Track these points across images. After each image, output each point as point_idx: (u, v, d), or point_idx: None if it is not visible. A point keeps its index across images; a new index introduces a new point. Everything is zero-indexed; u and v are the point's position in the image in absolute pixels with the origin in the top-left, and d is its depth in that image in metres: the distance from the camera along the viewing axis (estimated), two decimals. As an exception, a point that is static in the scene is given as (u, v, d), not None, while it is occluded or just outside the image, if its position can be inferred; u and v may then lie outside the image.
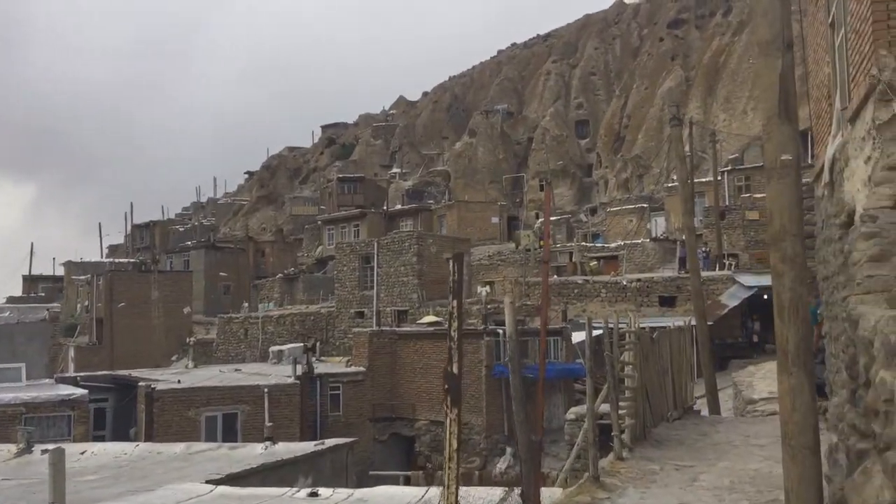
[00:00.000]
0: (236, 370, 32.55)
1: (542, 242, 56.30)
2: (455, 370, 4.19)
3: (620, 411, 9.97)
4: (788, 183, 5.94)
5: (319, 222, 74.84)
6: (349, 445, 15.11)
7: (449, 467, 4.21)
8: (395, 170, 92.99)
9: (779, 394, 6.08)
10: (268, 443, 15.30)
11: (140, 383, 25.77)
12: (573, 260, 48.21)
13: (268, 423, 17.34)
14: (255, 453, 15.41)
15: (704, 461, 9.37)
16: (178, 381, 26.25)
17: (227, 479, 11.73)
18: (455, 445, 4.14)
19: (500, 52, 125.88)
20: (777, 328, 6.00)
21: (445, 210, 68.53)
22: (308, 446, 14.95)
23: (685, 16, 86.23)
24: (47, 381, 28.17)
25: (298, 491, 10.86)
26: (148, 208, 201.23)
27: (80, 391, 24.52)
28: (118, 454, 16.71)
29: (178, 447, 16.56)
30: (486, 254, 53.19)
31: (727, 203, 47.97)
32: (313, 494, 10.35)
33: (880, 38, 7.11)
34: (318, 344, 39.65)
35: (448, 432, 4.12)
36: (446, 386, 4.25)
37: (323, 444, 14.95)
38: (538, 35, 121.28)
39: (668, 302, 35.22)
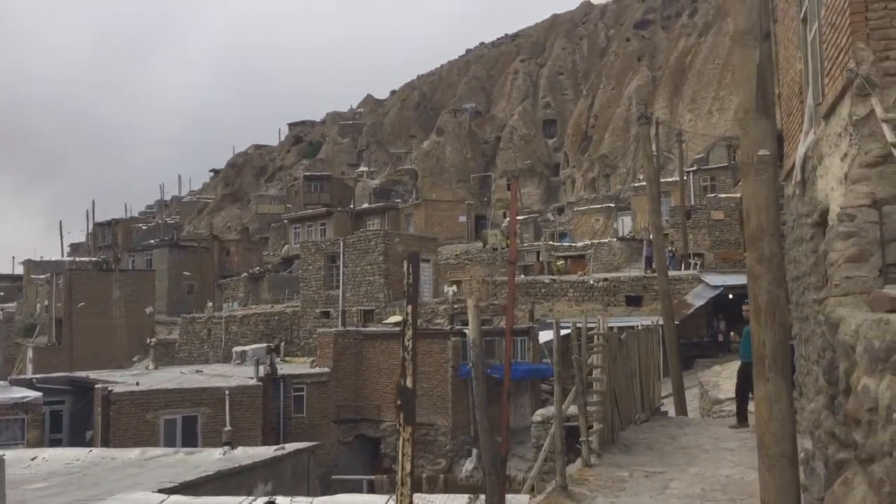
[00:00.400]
0: (198, 371, 31.85)
1: (509, 241, 56.15)
2: (409, 383, 3.82)
3: (588, 416, 9.67)
4: (765, 180, 5.66)
5: (285, 221, 74.01)
6: (310, 450, 14.67)
7: (401, 493, 3.84)
8: (362, 168, 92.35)
9: (755, 401, 5.80)
10: (226, 448, 14.81)
11: (97, 385, 25.05)
12: (540, 259, 48.10)
13: (226, 428, 16.82)
14: (212, 459, 14.91)
15: (674, 467, 9.10)
16: (137, 384, 25.53)
17: (181, 487, 11.24)
18: (408, 469, 3.77)
19: (468, 51, 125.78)
20: (753, 332, 5.72)
21: (413, 209, 68.12)
22: (268, 451, 14.48)
23: (651, 17, 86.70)
24: (1, 383, 27.32)
25: (255, 500, 10.41)
26: (112, 207, 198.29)
27: (34, 394, 23.76)
28: (70, 460, 16.09)
29: (133, 453, 15.98)
30: (454, 253, 52.92)
31: (693, 203, 48.18)
32: (270, 503, 9.90)
33: (858, 31, 6.87)
34: (282, 344, 39.04)
35: (401, 453, 3.75)
36: (399, 402, 3.88)
37: (283, 448, 14.49)
38: (506, 35, 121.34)
39: (634, 301, 35.18)
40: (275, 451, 14.35)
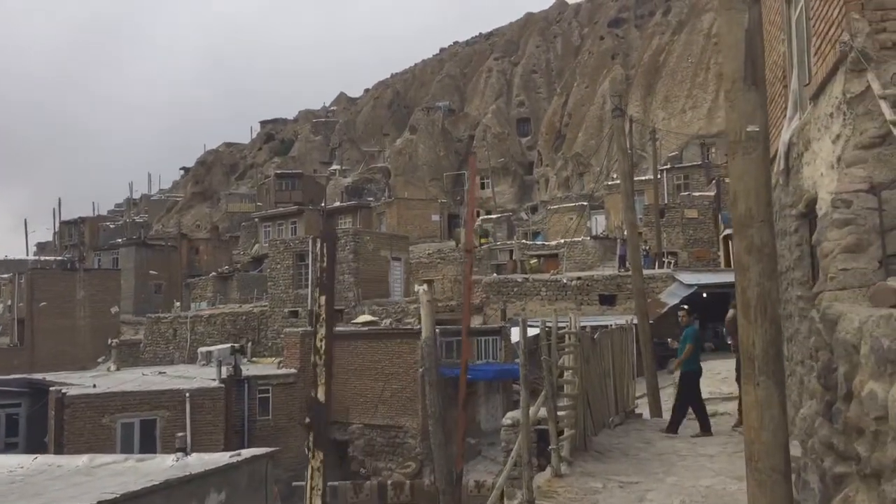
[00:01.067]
0: (160, 373, 30.87)
1: (482, 240, 55.57)
2: (320, 395, 3.12)
3: (559, 422, 9.02)
4: (755, 159, 5.02)
5: (256, 219, 72.87)
6: (269, 455, 13.91)
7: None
8: (334, 166, 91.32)
9: (744, 408, 5.16)
10: (180, 454, 13.94)
11: (52, 388, 24.03)
12: (513, 258, 47.56)
13: (179, 434, 15.97)
14: (164, 466, 14.02)
15: (651, 476, 8.48)
16: (94, 386, 24.55)
17: (122, 499, 10.41)
18: (318, 507, 3.06)
19: (442, 49, 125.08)
20: (742, 330, 5.08)
21: (385, 207, 67.32)
22: (223, 458, 13.67)
23: (625, 15, 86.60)
24: (-47, 386, 26.24)
25: (203, 512, 9.66)
26: (81, 205, 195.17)
27: (-15, 397, 22.76)
28: (14, 468, 15.12)
29: (81, 459, 15.05)
30: (426, 252, 52.23)
31: (666, 201, 47.89)
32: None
33: (852, 1, 6.29)
34: (249, 344, 38.12)
35: (308, 486, 3.05)
36: (307, 419, 3.18)
37: (239, 455, 13.69)
38: (480, 33, 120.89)
39: (608, 300, 34.70)
40: (230, 457, 13.56)
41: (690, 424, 12.76)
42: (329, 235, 3.08)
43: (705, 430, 12.32)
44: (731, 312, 12.87)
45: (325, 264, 3.04)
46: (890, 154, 5.85)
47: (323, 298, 3.11)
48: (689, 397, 13.07)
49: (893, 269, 5.39)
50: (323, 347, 3.10)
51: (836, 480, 4.90)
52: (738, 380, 13.14)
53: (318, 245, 3.03)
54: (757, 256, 5.01)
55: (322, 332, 3.08)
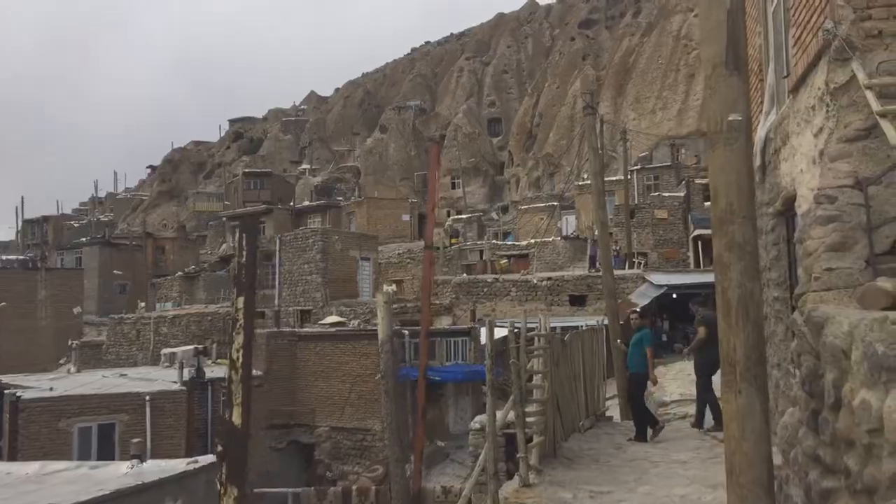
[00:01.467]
0: (121, 375, 30.04)
1: (453, 240, 55.19)
2: (236, 418, 2.67)
3: (527, 429, 8.64)
4: (737, 150, 4.67)
5: (224, 219, 71.84)
6: (229, 462, 13.41)
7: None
8: (304, 166, 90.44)
9: (725, 417, 4.82)
10: (135, 461, 13.39)
11: (7, 391, 23.19)
12: (483, 258, 47.27)
13: (135, 440, 15.40)
14: (119, 474, 13.46)
15: (623, 485, 8.13)
16: (51, 389, 23.74)
17: (69, 511, 9.88)
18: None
19: (413, 49, 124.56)
20: (722, 334, 4.73)
21: (355, 207, 66.71)
22: (179, 465, 13.15)
23: (596, 16, 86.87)
24: None
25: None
26: (45, 203, 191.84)
27: (-64, 400, 21.88)
28: (-40, 477, 14.47)
29: (32, 467, 14.42)
30: (396, 252, 51.76)
31: (636, 202, 47.85)
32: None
33: (835, -14, 5.98)
34: (214, 346, 37.34)
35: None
36: (219, 447, 2.75)
37: (196, 462, 13.19)
38: (451, 33, 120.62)
39: (578, 301, 34.51)
40: (187, 464, 13.04)
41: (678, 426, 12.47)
42: (248, 226, 2.66)
43: (640, 435, 11.98)
44: (699, 315, 12.62)
45: (244, 259, 2.61)
46: (876, 147, 5.55)
47: (241, 300, 2.67)
48: (638, 399, 12.82)
49: (881, 269, 5.08)
50: (240, 359, 2.66)
51: (823, 495, 4.57)
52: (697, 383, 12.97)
53: (237, 236, 2.61)
54: (738, 254, 4.67)
55: (239, 340, 2.64)
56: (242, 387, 2.64)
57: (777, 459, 6.03)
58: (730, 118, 4.69)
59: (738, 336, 4.65)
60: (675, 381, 21.16)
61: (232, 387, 2.67)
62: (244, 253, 2.53)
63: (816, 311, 4.78)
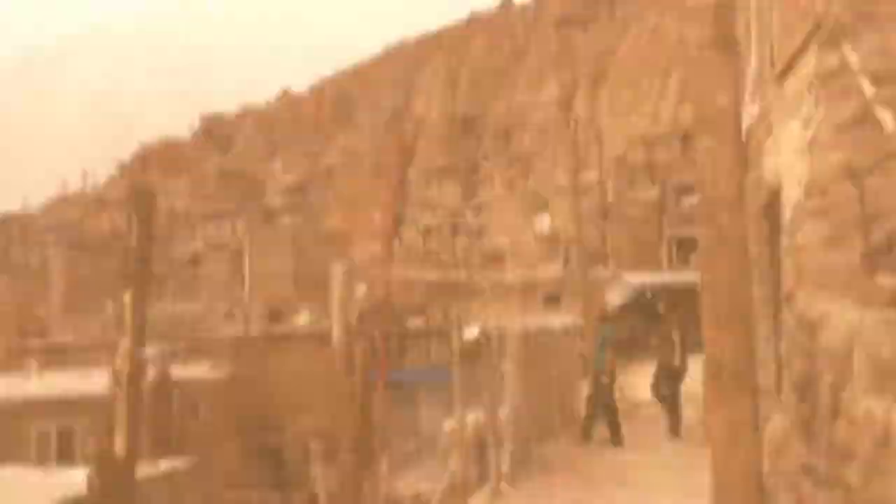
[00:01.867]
0: (84, 376, 29.26)
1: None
2: (119, 447, 1.70)
3: (500, 434, 8.24)
4: (726, 137, 4.32)
5: (194, 217, 70.87)
6: (189, 467, 12.89)
7: None
8: (276, 164, 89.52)
9: (712, 426, 4.45)
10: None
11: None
12: (457, 258, 46.96)
13: (91, 446, 14.85)
14: (76, 480, 12.90)
15: (600, 494, 7.76)
16: (8, 389, 22.96)
17: (15, 523, 9.34)
18: None
19: (388, 48, 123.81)
20: (708, 336, 4.36)
21: (328, 206, 66.09)
22: (138, 471, 12.60)
23: (571, 16, 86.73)
24: None
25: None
26: (9, 202, 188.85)
27: None
28: None
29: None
30: (369, 251, 51.27)
31: (611, 202, 47.65)
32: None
33: (827, -34, 5.65)
34: (181, 347, 36.63)
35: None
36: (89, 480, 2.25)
37: (157, 468, 12.69)
38: (427, 32, 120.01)
39: (552, 301, 34.27)
40: (146, 470, 12.52)
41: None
42: (140, 205, 2.21)
43: (585, 436, 11.63)
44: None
45: (137, 242, 2.17)
46: (870, 136, 5.19)
47: (128, 295, 2.22)
48: (600, 398, 12.46)
49: (879, 264, 4.73)
50: (126, 370, 2.22)
51: (818, 511, 4.22)
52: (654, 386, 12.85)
53: (128, 217, 2.16)
54: (727, 248, 4.30)
55: (125, 344, 2.20)
56: (127, 406, 2.18)
57: (764, 467, 5.69)
58: (718, 101, 4.33)
59: (727, 339, 4.28)
60: (647, 380, 20.95)
61: (115, 405, 2.20)
62: (134, 237, 2.11)
63: (810, 310, 4.43)
